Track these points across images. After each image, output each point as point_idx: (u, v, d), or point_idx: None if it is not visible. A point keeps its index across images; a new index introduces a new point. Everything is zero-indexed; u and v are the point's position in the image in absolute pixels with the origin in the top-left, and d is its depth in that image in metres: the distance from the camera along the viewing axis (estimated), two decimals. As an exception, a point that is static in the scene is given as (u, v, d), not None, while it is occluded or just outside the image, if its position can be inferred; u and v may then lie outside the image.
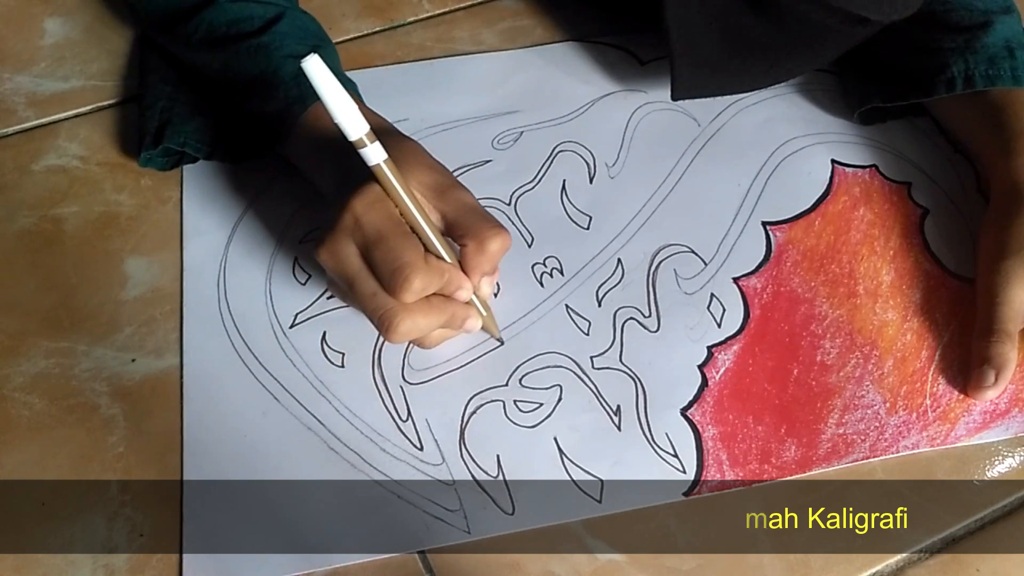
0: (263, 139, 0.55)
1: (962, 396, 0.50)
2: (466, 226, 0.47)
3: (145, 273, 0.54)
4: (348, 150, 0.44)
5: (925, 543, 0.46)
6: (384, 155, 0.44)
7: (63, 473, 0.47)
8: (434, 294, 0.46)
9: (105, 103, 0.62)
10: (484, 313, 0.50)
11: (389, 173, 0.44)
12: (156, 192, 0.57)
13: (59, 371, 0.50)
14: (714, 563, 0.45)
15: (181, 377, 0.50)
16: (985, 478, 0.48)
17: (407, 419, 0.49)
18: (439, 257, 0.46)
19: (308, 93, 0.52)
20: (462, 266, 0.47)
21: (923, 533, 0.47)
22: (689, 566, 0.45)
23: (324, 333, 0.51)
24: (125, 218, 0.56)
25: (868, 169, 0.59)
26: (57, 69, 0.64)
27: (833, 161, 0.60)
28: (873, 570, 0.46)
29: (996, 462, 0.49)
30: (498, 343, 0.52)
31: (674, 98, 0.58)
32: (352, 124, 0.43)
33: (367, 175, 0.45)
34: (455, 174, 0.57)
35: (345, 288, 0.46)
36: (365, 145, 0.43)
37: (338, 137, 0.44)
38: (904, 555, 0.46)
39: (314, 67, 0.42)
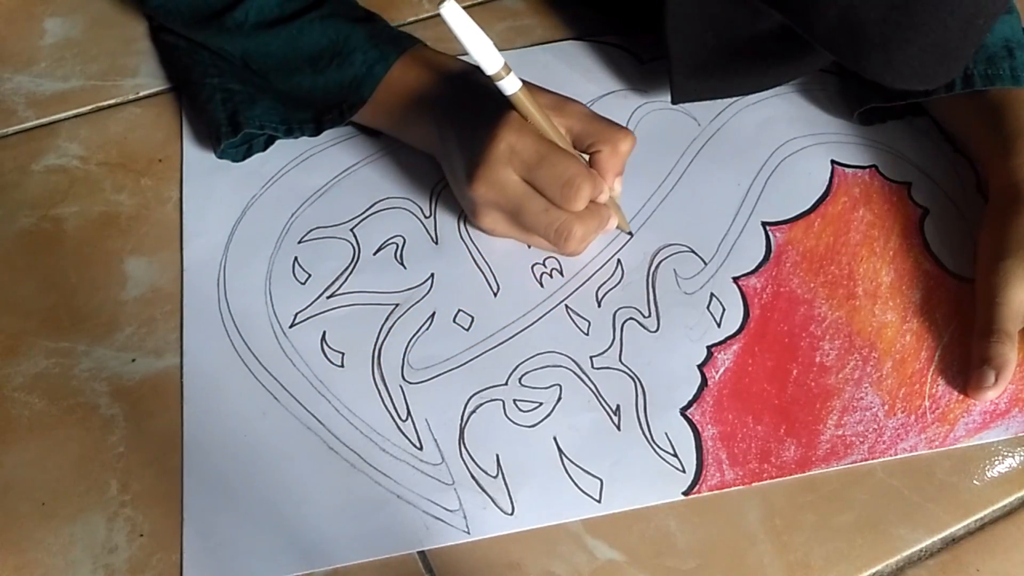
0: (336, 108, 0.56)
1: (961, 397, 0.50)
2: (594, 133, 0.50)
3: (145, 273, 0.54)
4: (444, 97, 0.51)
5: (925, 543, 0.47)
6: (520, 83, 0.48)
7: (63, 473, 0.47)
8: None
9: (105, 103, 0.62)
10: (618, 212, 0.54)
11: (526, 100, 0.48)
12: (156, 192, 0.57)
13: (59, 371, 0.50)
14: (714, 563, 0.45)
15: (181, 377, 0.50)
16: (985, 478, 0.48)
17: (407, 419, 0.49)
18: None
19: (388, 51, 0.54)
20: (596, 169, 0.51)
21: (923, 533, 0.47)
22: (689, 566, 0.45)
23: (324, 333, 0.51)
24: (125, 218, 0.56)
25: (868, 169, 0.59)
26: (57, 69, 0.64)
27: (833, 162, 0.60)
28: (873, 570, 0.46)
29: (996, 462, 0.49)
30: (628, 235, 0.55)
31: (674, 102, 0.58)
32: (490, 60, 0.47)
33: (476, 113, 0.50)
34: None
35: (507, 214, 0.50)
36: (502, 77, 0.47)
37: (432, 85, 0.51)
38: (904, 555, 0.46)
39: (451, 11, 0.45)
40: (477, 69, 0.48)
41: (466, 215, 0.55)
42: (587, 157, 0.51)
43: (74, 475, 0.47)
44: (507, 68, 0.47)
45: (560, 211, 0.49)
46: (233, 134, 0.56)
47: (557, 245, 0.51)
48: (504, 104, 0.49)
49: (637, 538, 0.46)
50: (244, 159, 0.58)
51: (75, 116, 0.61)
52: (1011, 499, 0.48)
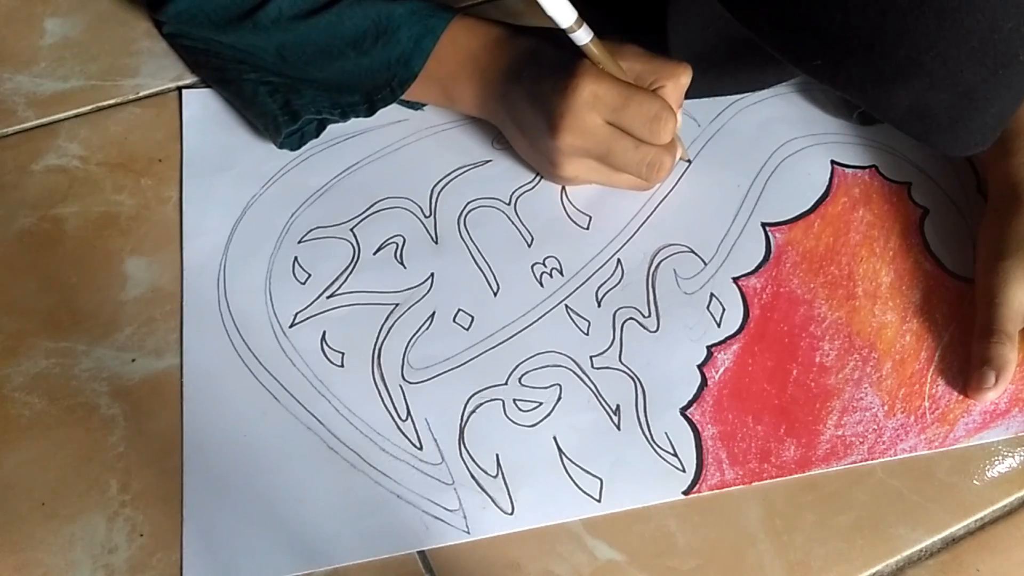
0: (386, 87, 0.57)
1: (961, 397, 0.50)
2: (655, 70, 0.53)
3: (145, 273, 0.54)
4: (499, 60, 0.54)
5: (925, 543, 0.47)
6: (592, 34, 0.50)
7: (63, 473, 0.47)
8: None
9: (105, 103, 0.61)
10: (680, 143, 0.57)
11: (597, 48, 0.51)
12: (156, 192, 0.57)
13: (59, 371, 0.50)
14: (714, 563, 0.45)
15: (181, 377, 0.50)
16: (985, 478, 0.48)
17: (406, 418, 0.49)
18: None
19: (434, 24, 0.55)
20: None
21: (923, 533, 0.47)
22: (689, 566, 0.45)
23: (324, 333, 0.51)
24: (125, 218, 0.56)
25: (868, 170, 0.60)
26: (57, 69, 0.63)
27: (832, 162, 0.60)
28: (873, 570, 0.46)
29: (996, 462, 0.49)
30: (687, 163, 0.59)
31: None
32: (563, 14, 0.49)
33: (540, 70, 0.53)
34: (455, 174, 0.58)
35: (595, 159, 0.53)
36: (575, 30, 0.49)
37: (483, 51, 0.54)
38: (904, 555, 0.46)
39: None
40: (527, 30, 0.52)
41: (542, 171, 0.57)
42: None
43: (74, 475, 0.47)
44: (579, 21, 0.49)
45: (648, 146, 0.52)
46: (292, 122, 0.56)
47: (648, 178, 0.53)
48: (568, 56, 0.51)
49: (637, 538, 0.46)
50: (299, 147, 0.58)
51: (75, 116, 0.61)
52: (1011, 499, 0.48)
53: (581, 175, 0.55)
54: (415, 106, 0.60)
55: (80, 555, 0.45)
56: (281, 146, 0.58)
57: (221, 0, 0.57)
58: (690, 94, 0.59)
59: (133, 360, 0.51)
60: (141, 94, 0.62)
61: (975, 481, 0.48)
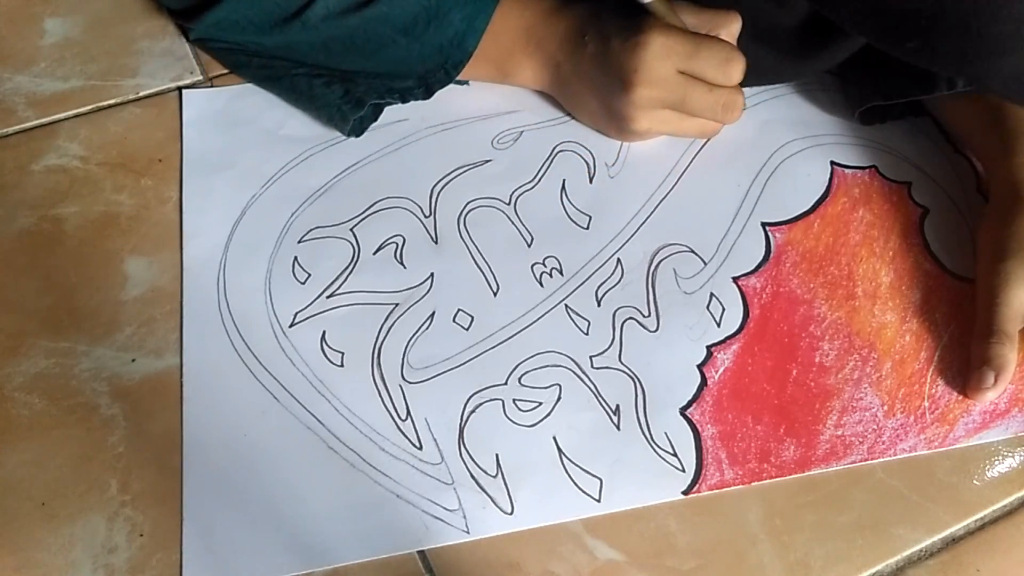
0: (441, 69, 0.58)
1: (961, 397, 0.50)
2: (707, 22, 0.55)
3: (145, 273, 0.54)
4: (556, 30, 0.56)
5: (925, 543, 0.47)
6: None
7: (63, 473, 0.47)
8: None
9: (105, 103, 0.61)
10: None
11: (658, 3, 0.53)
12: (156, 192, 0.57)
13: (59, 371, 0.50)
14: (714, 563, 0.45)
15: (181, 377, 0.50)
16: (985, 478, 0.48)
17: (406, 418, 0.49)
18: None
19: (485, 2, 0.56)
20: None
21: (923, 533, 0.47)
22: (689, 566, 0.45)
23: (324, 332, 0.51)
24: (125, 218, 0.56)
25: (868, 170, 0.59)
26: (57, 69, 0.63)
27: (832, 163, 0.60)
28: (873, 570, 0.46)
29: (996, 462, 0.49)
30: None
31: None
32: None
33: (603, 31, 0.55)
34: (454, 174, 0.58)
35: (670, 107, 0.55)
36: None
37: (538, 23, 0.56)
38: (904, 555, 0.46)
39: None
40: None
41: (611, 129, 0.59)
42: None
43: (74, 475, 0.47)
44: None
45: (721, 89, 0.54)
46: (358, 109, 0.57)
47: (724, 119, 0.56)
48: (627, 16, 0.54)
49: (637, 538, 0.46)
50: (361, 133, 0.59)
51: (75, 116, 0.61)
52: (1011, 499, 0.48)
53: (654, 127, 0.57)
54: (460, 82, 0.61)
55: (80, 555, 0.45)
56: (348, 134, 0.59)
57: (266, 4, 0.57)
58: None
59: (133, 360, 0.51)
60: (141, 94, 0.62)
61: (975, 481, 0.48)
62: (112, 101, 0.62)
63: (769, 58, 0.58)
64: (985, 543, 0.47)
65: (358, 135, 0.59)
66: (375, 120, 0.59)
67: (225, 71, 0.63)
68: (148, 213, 0.56)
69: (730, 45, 0.54)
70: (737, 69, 0.54)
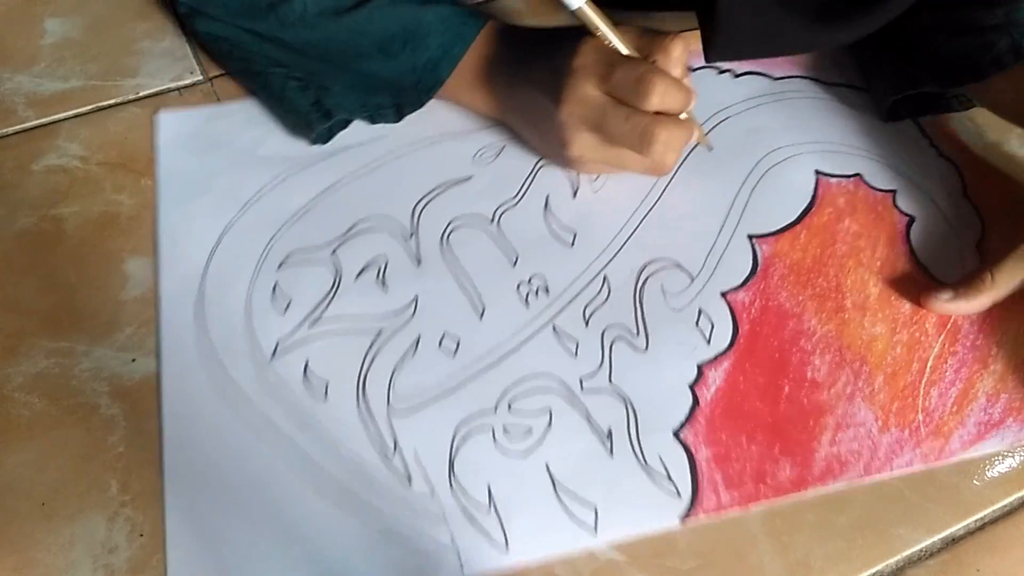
0: (412, 90, 0.58)
1: (955, 408, 0.50)
2: (647, 45, 0.52)
3: (145, 273, 0.53)
4: (514, 57, 0.55)
5: (925, 543, 0.46)
6: None
7: (63, 473, 0.47)
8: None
9: (105, 103, 0.62)
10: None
11: (592, 12, 0.51)
12: (156, 192, 0.57)
13: (59, 371, 0.50)
14: (714, 563, 0.45)
15: (160, 417, 0.48)
16: (985, 478, 0.48)
17: (394, 451, 0.48)
18: None
19: (464, 32, 0.56)
20: None
21: (923, 533, 0.47)
22: (689, 566, 0.45)
23: (307, 362, 0.50)
24: (125, 218, 0.56)
25: (852, 179, 0.59)
26: (57, 69, 0.63)
27: (817, 172, 0.59)
28: (873, 570, 0.46)
29: (996, 462, 0.49)
30: (709, 150, 0.59)
31: (709, 60, 0.56)
32: None
33: (548, 56, 0.53)
34: (436, 192, 0.57)
35: (595, 131, 0.52)
36: None
37: (502, 52, 0.55)
38: (904, 555, 0.46)
39: None
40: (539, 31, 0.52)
41: (557, 157, 0.57)
42: None
43: (74, 475, 0.47)
44: None
45: (642, 116, 0.50)
46: (325, 120, 0.57)
47: (643, 152, 0.51)
48: (568, 39, 0.52)
49: (637, 538, 0.45)
50: (328, 141, 0.59)
51: (75, 116, 0.61)
52: (1011, 499, 0.48)
53: (587, 153, 0.54)
54: None
55: (80, 555, 0.45)
56: (314, 142, 0.58)
57: None
58: (729, 56, 0.60)
59: (133, 360, 0.50)
60: (141, 94, 0.62)
61: (975, 481, 0.48)
62: (112, 101, 0.62)
63: (792, 25, 0.55)
64: (985, 543, 0.47)
65: (324, 142, 0.58)
66: (344, 128, 0.59)
67: (225, 71, 0.63)
68: (148, 213, 0.56)
69: (648, 66, 0.50)
70: (653, 90, 0.49)
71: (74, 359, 0.50)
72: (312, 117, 0.57)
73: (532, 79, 0.55)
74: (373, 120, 0.59)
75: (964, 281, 0.52)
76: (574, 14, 0.51)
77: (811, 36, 0.57)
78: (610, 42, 0.52)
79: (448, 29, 0.56)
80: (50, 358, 0.50)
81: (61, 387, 0.49)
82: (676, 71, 0.52)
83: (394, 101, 0.58)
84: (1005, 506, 0.48)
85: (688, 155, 0.59)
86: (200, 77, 0.63)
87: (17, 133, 0.60)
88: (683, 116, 0.53)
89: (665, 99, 0.50)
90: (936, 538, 0.47)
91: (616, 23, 0.52)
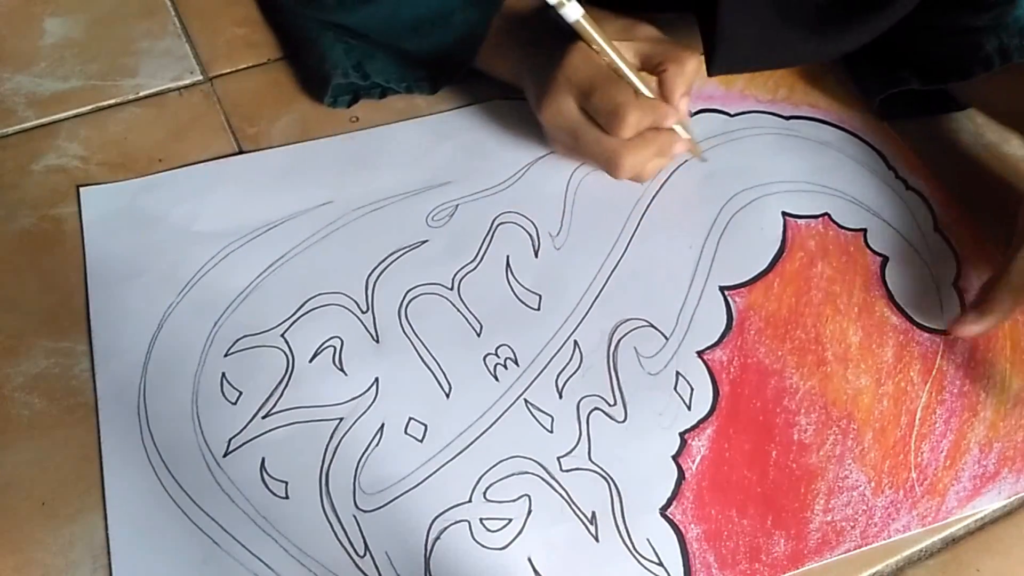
0: (446, 67, 0.59)
1: (949, 463, 0.48)
2: (660, 53, 0.52)
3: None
4: (524, 36, 0.55)
5: (925, 543, 0.46)
6: (582, 10, 0.50)
7: (63, 473, 0.46)
8: (647, 129, 0.52)
9: (105, 103, 0.61)
10: (686, 136, 0.55)
11: (588, 26, 0.50)
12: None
13: (59, 371, 0.49)
14: None
15: (106, 529, 0.44)
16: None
17: (364, 554, 0.44)
18: (642, 94, 0.51)
19: (486, 8, 0.56)
20: (662, 90, 0.52)
21: (923, 533, 0.46)
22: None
23: (263, 460, 0.46)
24: (124, 219, 0.55)
25: (821, 218, 0.57)
26: (57, 69, 0.63)
27: (784, 214, 0.57)
28: (873, 570, 0.45)
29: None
30: (703, 161, 0.58)
31: (711, 74, 0.55)
32: None
33: (548, 46, 0.52)
34: (389, 260, 0.53)
35: (570, 141, 0.53)
36: (564, 5, 0.50)
37: (518, 29, 0.55)
38: (904, 555, 0.45)
39: None
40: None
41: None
42: (654, 79, 0.53)
43: (74, 475, 0.46)
44: None
45: (611, 140, 0.51)
46: (363, 79, 0.59)
47: (610, 174, 0.53)
48: (573, 36, 0.51)
49: None
50: (351, 105, 0.61)
51: (75, 116, 0.61)
52: (1011, 499, 0.47)
53: (568, 155, 0.57)
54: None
55: (80, 555, 0.44)
56: (331, 103, 0.60)
57: None
58: (732, 69, 0.59)
59: None
60: (141, 94, 0.62)
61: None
62: (112, 101, 0.62)
63: (792, 37, 0.55)
64: (985, 543, 0.46)
65: (345, 105, 0.60)
66: (379, 99, 0.61)
67: (225, 71, 0.64)
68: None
69: (627, 96, 0.50)
70: (624, 125, 0.50)
71: (74, 359, 0.50)
72: (350, 72, 0.59)
73: (529, 69, 0.55)
74: (409, 90, 0.61)
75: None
76: (572, 27, 0.51)
77: (812, 47, 0.56)
78: (606, 56, 0.51)
79: (471, 6, 0.56)
80: (50, 358, 0.50)
81: (61, 387, 0.49)
82: (682, 87, 0.52)
83: (430, 74, 0.60)
84: (1005, 506, 0.47)
85: (650, 203, 0.57)
86: (200, 77, 0.63)
87: (17, 133, 0.60)
88: (679, 128, 0.53)
89: (639, 129, 0.51)
90: (936, 538, 0.46)
91: (634, 22, 0.53)
